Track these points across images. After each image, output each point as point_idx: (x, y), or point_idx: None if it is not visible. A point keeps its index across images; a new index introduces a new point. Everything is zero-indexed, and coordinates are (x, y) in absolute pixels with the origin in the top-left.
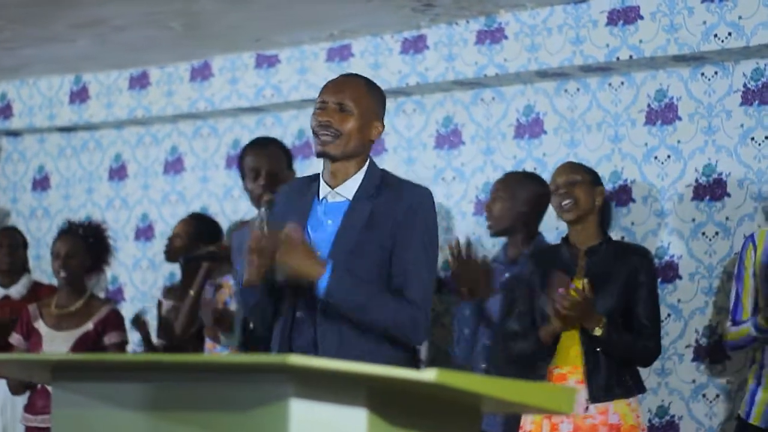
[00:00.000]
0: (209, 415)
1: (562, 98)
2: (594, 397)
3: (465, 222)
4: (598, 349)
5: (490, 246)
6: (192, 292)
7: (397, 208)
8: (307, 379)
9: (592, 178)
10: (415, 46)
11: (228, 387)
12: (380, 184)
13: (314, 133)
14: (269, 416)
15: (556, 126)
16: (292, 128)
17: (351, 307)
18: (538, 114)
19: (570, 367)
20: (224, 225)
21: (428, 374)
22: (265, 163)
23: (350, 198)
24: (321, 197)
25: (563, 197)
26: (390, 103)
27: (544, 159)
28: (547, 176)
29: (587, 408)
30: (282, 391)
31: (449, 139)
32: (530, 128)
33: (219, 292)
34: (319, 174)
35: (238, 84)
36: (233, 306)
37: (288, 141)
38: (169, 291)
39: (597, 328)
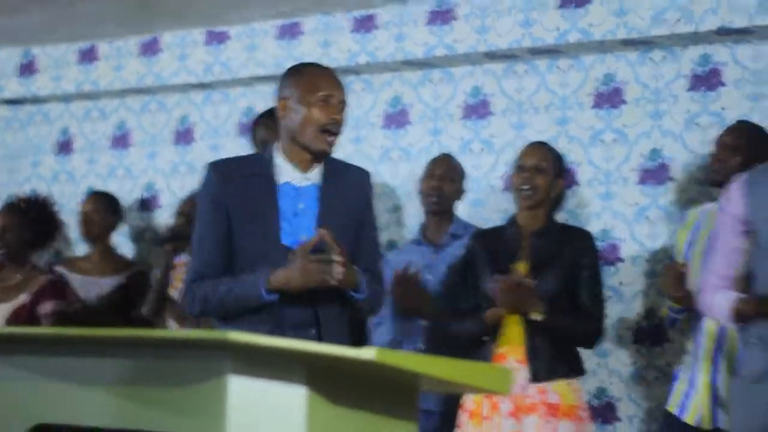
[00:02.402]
0: (148, 390)
1: (510, 80)
2: (534, 377)
3: (411, 201)
4: (539, 332)
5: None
6: (158, 275)
7: (357, 191)
8: (247, 356)
9: (557, 169)
10: (365, 25)
11: (168, 363)
12: (332, 167)
13: (325, 130)
14: (207, 392)
15: (504, 107)
16: (240, 105)
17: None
18: (486, 95)
19: (511, 346)
20: (169, 200)
21: (367, 353)
22: (275, 135)
23: (317, 182)
24: (282, 181)
25: (525, 181)
26: None
27: (491, 140)
28: (493, 158)
29: (527, 388)
30: (221, 367)
31: (397, 118)
32: (478, 109)
33: (175, 271)
34: (262, 156)
35: (187, 60)
36: None
37: (235, 118)
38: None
39: (535, 313)
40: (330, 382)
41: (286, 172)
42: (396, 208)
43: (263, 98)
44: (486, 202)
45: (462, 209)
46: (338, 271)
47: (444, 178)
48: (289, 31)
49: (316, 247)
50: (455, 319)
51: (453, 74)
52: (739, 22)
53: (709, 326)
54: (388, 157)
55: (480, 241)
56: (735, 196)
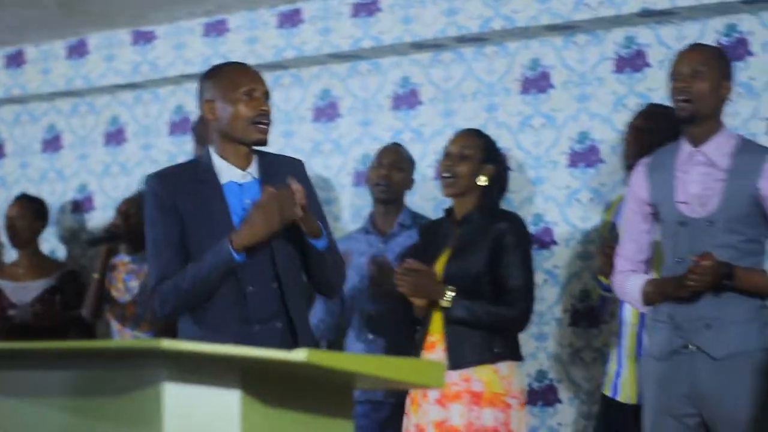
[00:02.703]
0: (84, 400)
1: (437, 69)
2: (453, 365)
3: (344, 193)
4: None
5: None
6: (96, 275)
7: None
8: (181, 363)
9: (483, 155)
10: (291, 20)
11: (104, 373)
12: (267, 160)
13: (256, 122)
14: (144, 400)
15: (432, 96)
16: (169, 104)
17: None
18: (414, 85)
19: (438, 335)
20: (103, 202)
21: (299, 354)
22: None
23: (257, 177)
24: (224, 181)
25: (446, 168)
26: (267, 77)
27: (422, 129)
28: (423, 147)
29: (450, 375)
30: (156, 374)
31: (326, 111)
32: (407, 99)
33: (115, 272)
34: (203, 161)
35: (114, 61)
36: (133, 283)
37: (165, 117)
38: None
39: (443, 300)
40: (264, 384)
41: (226, 171)
42: (329, 200)
43: (193, 96)
44: (417, 191)
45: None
46: (300, 198)
47: (392, 167)
48: (215, 29)
49: None
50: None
51: (380, 65)
52: (662, 4)
53: (631, 308)
54: (320, 150)
55: (422, 231)
56: (638, 180)
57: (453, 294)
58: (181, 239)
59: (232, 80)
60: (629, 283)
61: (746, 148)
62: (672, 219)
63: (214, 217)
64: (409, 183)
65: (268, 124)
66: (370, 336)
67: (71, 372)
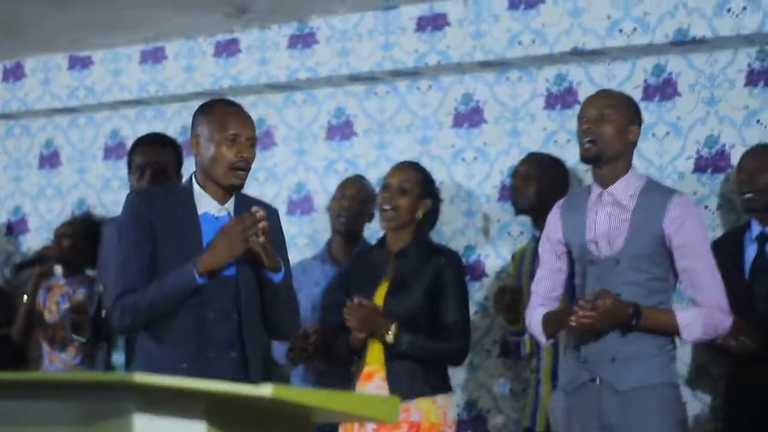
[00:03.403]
0: (55, 429)
1: (372, 101)
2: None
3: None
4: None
5: (322, 242)
6: (26, 298)
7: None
8: (150, 395)
9: (422, 189)
10: (228, 49)
11: (76, 404)
12: (243, 201)
13: (235, 167)
14: (114, 430)
15: (367, 128)
16: (105, 129)
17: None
18: (349, 116)
19: (377, 365)
20: (37, 224)
21: (265, 389)
22: (153, 162)
23: (231, 213)
24: (201, 211)
25: (386, 201)
26: None
27: (356, 160)
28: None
29: None
30: (126, 406)
31: (262, 140)
32: (341, 130)
33: (50, 293)
34: (184, 187)
35: (51, 85)
36: (66, 305)
37: (101, 142)
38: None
39: (387, 335)
40: (229, 416)
41: (205, 202)
42: None
43: (128, 122)
44: None
45: (326, 228)
46: (263, 226)
47: (354, 200)
48: (153, 56)
49: None
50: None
51: (316, 96)
52: (593, 44)
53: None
54: (254, 178)
55: (355, 260)
56: (553, 221)
57: (396, 329)
58: (150, 259)
59: (219, 121)
60: (534, 317)
61: (652, 188)
62: (582, 258)
63: (187, 243)
64: (370, 216)
65: (246, 170)
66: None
67: (42, 402)
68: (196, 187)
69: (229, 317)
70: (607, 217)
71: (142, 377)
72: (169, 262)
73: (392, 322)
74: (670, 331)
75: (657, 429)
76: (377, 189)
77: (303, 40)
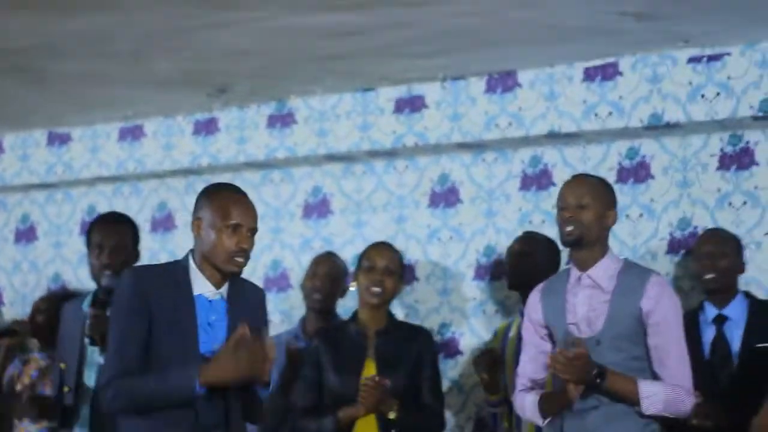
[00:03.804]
0: None
1: (349, 180)
2: None
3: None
4: (393, 430)
5: (297, 318)
6: None
7: (256, 307)
8: None
9: (401, 271)
10: (207, 127)
11: None
12: (235, 282)
13: (234, 255)
14: None
15: (344, 207)
16: (82, 204)
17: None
18: (326, 195)
19: None
20: (12, 297)
21: None
22: (111, 240)
23: (225, 296)
24: (196, 293)
25: (375, 282)
26: (180, 183)
27: (332, 238)
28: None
29: None
30: None
31: None
32: (318, 208)
33: (27, 366)
34: (181, 266)
35: (29, 160)
36: (41, 379)
37: (78, 217)
38: None
39: (391, 412)
40: None
41: (201, 284)
42: None
43: (105, 198)
44: None
45: (300, 305)
46: (270, 365)
47: (326, 278)
48: (131, 133)
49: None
50: (306, 417)
51: (293, 175)
52: (568, 127)
53: (527, 423)
54: None
55: (323, 338)
56: (533, 304)
57: (398, 406)
58: (146, 339)
59: (224, 209)
60: (527, 400)
61: (630, 270)
62: (563, 340)
63: (182, 325)
64: (342, 292)
65: (245, 259)
66: None
67: None
68: (192, 266)
69: (216, 397)
70: (586, 300)
71: None
72: (163, 342)
73: (395, 401)
74: (630, 400)
75: None
76: (350, 266)
77: (282, 120)
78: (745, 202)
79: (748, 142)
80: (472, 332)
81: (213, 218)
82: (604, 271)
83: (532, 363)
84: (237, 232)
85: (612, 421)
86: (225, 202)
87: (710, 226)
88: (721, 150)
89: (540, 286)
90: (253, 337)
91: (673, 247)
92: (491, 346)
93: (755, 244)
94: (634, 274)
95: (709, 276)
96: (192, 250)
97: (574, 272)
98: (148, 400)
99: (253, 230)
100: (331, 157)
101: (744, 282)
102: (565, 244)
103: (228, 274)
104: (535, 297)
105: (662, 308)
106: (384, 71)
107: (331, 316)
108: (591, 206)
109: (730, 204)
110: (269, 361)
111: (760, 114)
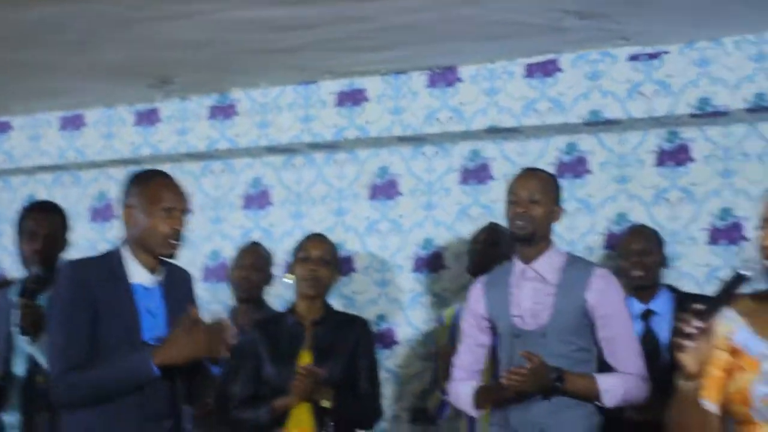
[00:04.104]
0: None
1: (289, 172)
2: None
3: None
4: (326, 418)
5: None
6: None
7: (187, 290)
8: None
9: (336, 261)
10: (148, 118)
11: None
12: (169, 268)
13: (169, 238)
14: None
15: (284, 198)
16: (22, 193)
17: None
18: (266, 186)
19: (301, 429)
20: None
21: None
22: (43, 227)
23: (160, 282)
24: (133, 281)
25: (310, 273)
26: (121, 173)
27: (271, 229)
28: (273, 247)
29: None
30: None
31: None
32: (258, 200)
33: None
34: (115, 256)
35: None
36: None
37: (17, 205)
38: None
39: (325, 401)
40: None
41: (136, 271)
42: None
43: (45, 187)
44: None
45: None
46: (231, 338)
47: (252, 268)
48: (72, 123)
49: None
50: (242, 407)
51: (234, 166)
52: (508, 122)
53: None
54: None
55: (260, 329)
56: (475, 296)
57: (334, 395)
58: (91, 329)
59: (155, 194)
60: (463, 391)
61: (574, 263)
62: (507, 332)
63: (124, 314)
64: (268, 280)
65: (180, 241)
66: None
67: None
68: (126, 256)
69: (163, 388)
70: (531, 293)
71: None
72: (106, 332)
73: (329, 389)
74: (591, 396)
75: None
76: (290, 258)
77: (223, 111)
78: (681, 198)
79: (685, 140)
80: (409, 323)
81: (145, 204)
82: (548, 264)
83: (470, 354)
84: (170, 215)
85: (556, 413)
86: (156, 187)
87: (647, 221)
88: (659, 147)
89: (482, 278)
90: (215, 321)
91: (610, 242)
92: (441, 336)
93: (690, 239)
94: (578, 267)
95: (637, 273)
96: (123, 239)
97: (519, 265)
98: (103, 389)
99: (186, 212)
100: (272, 149)
101: (677, 276)
102: (515, 238)
103: (165, 257)
104: (477, 289)
105: (608, 301)
106: (327, 65)
107: (260, 305)
108: (542, 201)
109: (666, 200)
110: (226, 338)
111: (698, 112)
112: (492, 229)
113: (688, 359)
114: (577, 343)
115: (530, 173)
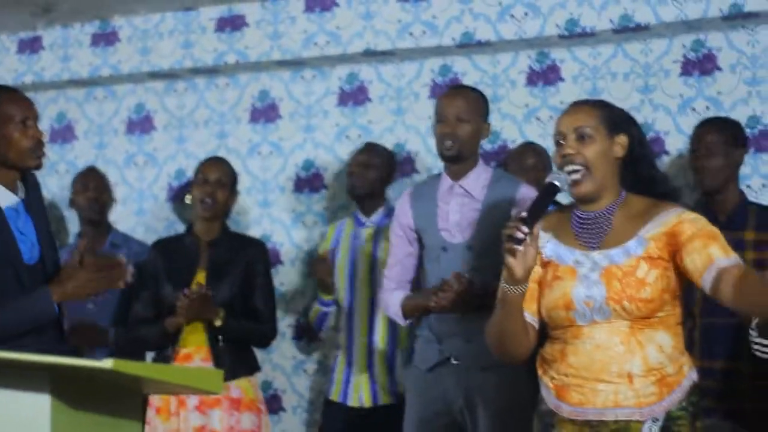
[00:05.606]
0: None
1: (171, 97)
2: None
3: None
4: (219, 336)
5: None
6: None
7: (41, 201)
8: None
9: (232, 183)
10: (31, 46)
11: None
12: (26, 184)
13: (33, 149)
14: None
15: (166, 123)
16: None
17: None
18: (149, 111)
19: (195, 348)
20: None
21: (106, 363)
22: None
23: (21, 198)
24: (3, 205)
25: (207, 194)
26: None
27: (155, 154)
28: (157, 170)
29: None
30: None
31: (63, 134)
32: (141, 125)
33: None
34: None
35: None
36: None
37: None
38: None
39: (216, 319)
40: (71, 389)
41: (2, 195)
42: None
43: None
44: (150, 212)
45: (125, 220)
46: (129, 274)
47: (97, 190)
48: None
49: None
50: (138, 326)
51: (116, 92)
52: (383, 45)
53: (360, 323)
54: (55, 170)
55: (159, 250)
56: (403, 208)
57: (224, 314)
58: None
59: (5, 111)
60: (392, 299)
61: (500, 180)
62: (434, 244)
63: (2, 241)
64: (111, 202)
65: (43, 149)
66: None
67: None
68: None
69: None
70: (458, 207)
71: None
72: None
73: (220, 309)
74: None
75: (514, 400)
76: (173, 181)
77: (105, 39)
78: (551, 117)
79: (554, 60)
80: (292, 243)
81: None
82: (475, 181)
83: (399, 266)
84: (27, 126)
85: (481, 321)
86: (5, 103)
87: (519, 139)
88: (530, 67)
89: (409, 190)
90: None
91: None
92: (322, 248)
93: None
94: (504, 183)
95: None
96: None
97: (447, 180)
98: (4, 331)
99: (37, 118)
100: (154, 75)
101: None
102: (443, 158)
103: (27, 170)
104: (404, 201)
105: None
106: None
107: (108, 227)
108: (469, 120)
109: (538, 119)
110: (122, 271)
111: (566, 33)
112: (369, 150)
113: (516, 264)
114: (501, 256)
115: (456, 92)
